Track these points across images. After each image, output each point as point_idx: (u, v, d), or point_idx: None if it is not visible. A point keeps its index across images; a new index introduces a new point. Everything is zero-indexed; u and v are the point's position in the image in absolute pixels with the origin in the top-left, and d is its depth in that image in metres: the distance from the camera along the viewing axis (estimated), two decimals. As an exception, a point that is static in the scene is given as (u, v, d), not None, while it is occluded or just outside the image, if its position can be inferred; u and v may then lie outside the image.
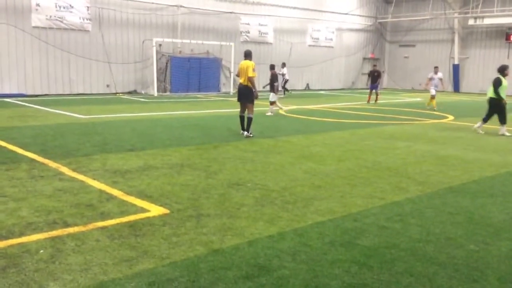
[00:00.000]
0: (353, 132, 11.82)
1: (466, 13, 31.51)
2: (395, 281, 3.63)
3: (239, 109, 10.99)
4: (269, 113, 15.48)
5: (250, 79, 10.51)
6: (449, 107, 19.78)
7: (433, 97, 19.10)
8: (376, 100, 21.69)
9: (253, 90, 10.61)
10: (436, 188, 6.49)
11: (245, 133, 10.66)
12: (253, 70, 10.53)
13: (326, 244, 4.36)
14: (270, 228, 4.73)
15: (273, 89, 15.82)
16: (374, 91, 21.64)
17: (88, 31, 22.29)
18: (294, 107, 18.60)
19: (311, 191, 6.16)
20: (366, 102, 21.56)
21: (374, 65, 23.06)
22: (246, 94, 10.68)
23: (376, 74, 21.80)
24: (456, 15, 31.96)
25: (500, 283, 3.64)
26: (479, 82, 31.75)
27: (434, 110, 18.29)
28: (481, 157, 8.79)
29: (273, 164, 7.81)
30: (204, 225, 4.76)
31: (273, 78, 15.92)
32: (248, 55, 10.85)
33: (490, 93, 12.28)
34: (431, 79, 19.50)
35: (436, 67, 20.17)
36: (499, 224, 5.01)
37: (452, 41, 32.92)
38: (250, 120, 10.68)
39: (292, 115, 15.73)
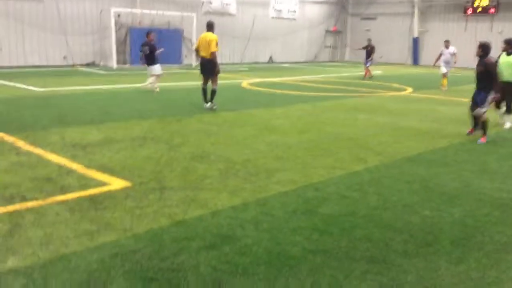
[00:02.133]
0: (315, 105, 11.95)
1: (425, -14, 31.94)
2: (354, 247, 3.77)
3: (201, 82, 10.85)
4: (152, 86, 13.52)
5: (213, 54, 10.25)
6: (408, 80, 20.21)
7: (444, 75, 16.56)
8: (369, 74, 20.91)
9: (216, 64, 10.39)
10: (394, 158, 6.70)
11: (209, 103, 10.53)
12: (216, 44, 10.27)
13: (288, 213, 4.45)
14: (233, 199, 4.78)
15: (151, 60, 13.30)
16: (365, 65, 21.07)
17: (42, 1, 21.34)
18: (257, 79, 18.57)
19: (274, 163, 6.24)
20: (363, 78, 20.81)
21: (369, 39, 21.99)
22: (210, 68, 10.46)
23: (369, 49, 21.23)
24: (416, -12, 32.36)
25: (453, 246, 3.83)
26: (437, 55, 32.42)
27: (443, 90, 16.03)
28: (437, 128, 9.09)
29: (236, 137, 7.83)
30: (167, 197, 4.76)
31: (152, 46, 13.34)
32: (210, 27, 10.56)
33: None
34: (441, 54, 16.80)
35: (447, 41, 17.16)
36: (452, 192, 5.23)
37: (412, 14, 33.39)
38: (214, 92, 10.56)
39: (255, 87, 15.71)
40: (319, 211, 4.53)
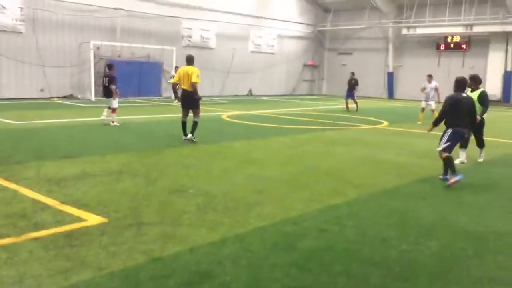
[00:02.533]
0: (294, 138, 12.05)
1: (399, 23, 33.02)
2: (333, 282, 3.75)
3: (180, 114, 10.87)
4: (115, 123, 13.09)
5: (193, 85, 10.28)
6: (384, 113, 20.61)
7: (422, 109, 16.98)
8: (357, 108, 21.29)
9: (196, 93, 10.43)
10: (372, 191, 6.76)
11: (189, 135, 10.45)
12: (198, 76, 10.34)
13: (267, 248, 4.42)
14: (211, 234, 4.74)
15: (110, 92, 13.09)
16: (352, 99, 21.47)
17: (21, 32, 21.32)
18: (237, 112, 18.69)
19: (253, 196, 6.22)
20: (345, 110, 21.25)
21: (352, 73, 22.61)
22: (192, 100, 10.46)
23: (353, 82, 21.70)
24: (390, 24, 33.42)
25: (431, 281, 3.85)
26: (412, 89, 33.25)
27: (418, 124, 16.26)
28: (413, 161, 9.24)
29: (215, 170, 7.81)
30: (144, 233, 4.69)
31: (111, 79, 13.08)
32: (190, 61, 10.63)
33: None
34: (424, 89, 17.08)
35: (430, 76, 17.42)
36: (429, 225, 5.29)
37: (387, 49, 34.36)
38: (196, 124, 10.52)
39: (235, 120, 15.80)
40: (298, 246, 4.51)
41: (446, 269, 4.09)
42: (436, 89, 16.92)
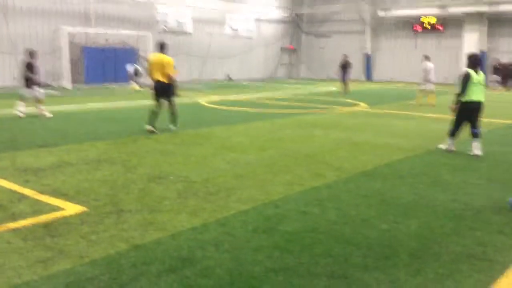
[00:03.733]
0: (273, 122, 12.05)
1: (376, 5, 33.10)
2: (315, 263, 3.78)
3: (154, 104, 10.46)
4: (48, 114, 12.26)
5: (171, 77, 9.74)
6: (362, 95, 20.74)
7: (421, 91, 16.74)
8: (346, 90, 21.60)
9: (175, 88, 9.99)
10: (351, 173, 6.82)
11: (172, 126, 10.14)
12: (174, 67, 9.83)
13: (249, 232, 4.43)
14: (193, 220, 4.72)
15: (32, 82, 12.17)
16: (344, 81, 21.77)
17: (-9, 20, 20.71)
18: (216, 97, 18.58)
19: (234, 181, 6.22)
20: (343, 92, 21.39)
21: (345, 55, 22.81)
22: (169, 91, 9.86)
23: (346, 64, 22.01)
24: (366, 7, 33.47)
25: (411, 259, 3.91)
26: (389, 71, 33.60)
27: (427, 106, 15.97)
28: (391, 142, 9.34)
29: (195, 156, 7.77)
30: (124, 221, 4.65)
31: (31, 68, 12.17)
32: (163, 47, 9.87)
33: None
34: (426, 70, 16.46)
35: (427, 56, 17.00)
36: (408, 204, 5.37)
37: (364, 32, 34.47)
38: (175, 115, 10.18)
39: (214, 106, 15.70)
40: (279, 228, 4.53)
41: (425, 247, 4.16)
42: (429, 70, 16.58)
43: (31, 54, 12.34)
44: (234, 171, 6.74)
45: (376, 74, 34.78)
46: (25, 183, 5.90)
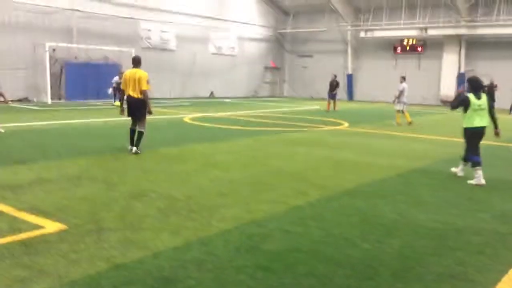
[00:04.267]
0: (257, 139, 12.07)
1: (357, 26, 33.71)
2: (298, 283, 3.76)
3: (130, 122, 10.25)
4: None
5: (144, 93, 9.18)
6: (344, 114, 20.96)
7: (400, 111, 16.95)
8: (334, 107, 22.52)
9: (147, 104, 9.32)
10: (334, 191, 6.84)
11: (134, 148, 9.30)
12: (147, 82, 9.26)
13: (231, 251, 4.39)
14: (175, 239, 4.66)
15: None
16: (333, 100, 22.59)
17: (-29, 33, 20.45)
18: (199, 114, 18.56)
19: (217, 199, 6.18)
20: (325, 111, 22.06)
21: (334, 75, 23.64)
22: (139, 108, 9.29)
23: (335, 84, 22.81)
24: (348, 27, 34.05)
25: (394, 279, 3.92)
26: (370, 90, 34.07)
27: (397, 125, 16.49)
28: (373, 161, 9.42)
29: (177, 173, 7.72)
30: (105, 239, 4.56)
31: None
32: (137, 62, 9.41)
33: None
34: (403, 90, 16.91)
35: (403, 77, 17.52)
36: (390, 224, 5.39)
37: (346, 52, 35.00)
38: (141, 134, 9.37)
39: (197, 122, 15.68)
40: (262, 248, 4.50)
41: (407, 267, 4.18)
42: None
43: None
44: (217, 189, 6.71)
45: (358, 93, 35.24)
46: (3, 200, 5.76)
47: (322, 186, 7.11)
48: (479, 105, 7.62)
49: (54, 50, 22.68)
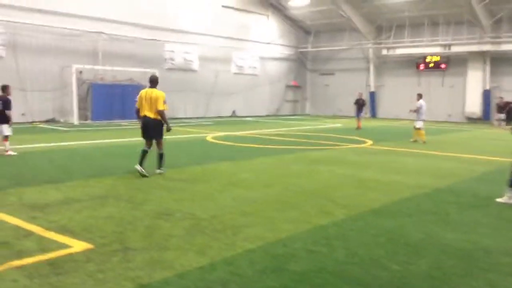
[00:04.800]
0: (279, 158, 12.06)
1: (379, 43, 33.66)
2: (325, 305, 3.70)
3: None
4: (9, 152, 11.59)
5: (161, 113, 9.01)
6: (367, 132, 20.81)
7: (418, 128, 16.90)
8: (359, 125, 22.66)
9: (165, 124, 9.14)
10: (359, 210, 6.76)
11: (158, 170, 9.24)
12: (164, 102, 9.06)
13: (256, 271, 4.36)
14: (200, 258, 4.66)
15: (5, 118, 11.66)
16: (358, 117, 22.82)
17: (2, 57, 21.16)
18: (221, 133, 18.68)
19: (240, 218, 6.17)
20: (356, 129, 22.24)
21: (360, 93, 24.22)
22: (156, 130, 9.13)
23: (361, 102, 23.15)
24: (370, 45, 34.03)
25: (421, 300, 3.83)
26: (393, 108, 33.82)
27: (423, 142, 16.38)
28: (398, 179, 9.29)
29: (201, 192, 7.75)
30: (131, 259, 4.59)
31: (6, 103, 11.62)
32: (154, 82, 9.18)
33: None
34: (418, 108, 16.94)
35: (419, 94, 17.56)
36: (417, 243, 5.29)
37: (368, 69, 34.92)
38: (162, 156, 9.31)
39: (219, 141, 15.77)
40: (288, 268, 4.46)
41: (436, 288, 4.08)
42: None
43: (3, 88, 11.66)
44: (241, 208, 6.70)
45: (381, 111, 35.00)
46: (32, 220, 5.87)
47: (346, 205, 7.03)
48: None
49: (80, 72, 23.25)
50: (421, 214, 6.61)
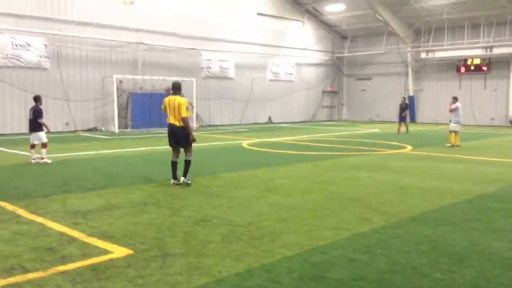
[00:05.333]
0: (316, 164, 11.96)
1: (418, 47, 32.98)
2: (365, 314, 3.63)
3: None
4: (46, 160, 11.97)
5: (185, 120, 8.80)
6: (407, 137, 20.39)
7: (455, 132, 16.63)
8: (407, 130, 22.82)
9: (189, 132, 8.92)
10: (399, 217, 6.61)
11: (182, 178, 8.94)
12: (187, 108, 8.90)
13: (295, 279, 4.32)
14: (237, 265, 4.66)
15: (38, 126, 11.99)
16: (403, 122, 22.90)
17: (46, 69, 21.97)
18: (257, 140, 18.72)
19: (278, 225, 6.14)
20: (397, 133, 22.38)
21: (404, 98, 24.40)
22: (183, 137, 8.92)
23: (404, 106, 23.21)
24: (408, 49, 33.39)
25: (467, 311, 3.69)
26: (433, 112, 33.03)
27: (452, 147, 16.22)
28: (440, 186, 9.04)
29: (238, 199, 7.77)
30: (170, 265, 4.65)
31: (38, 113, 11.98)
32: (177, 89, 9.04)
33: None
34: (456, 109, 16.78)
35: (454, 97, 17.34)
36: (461, 252, 5.12)
37: (406, 73, 34.25)
38: (189, 163, 8.99)
39: (256, 148, 15.80)
40: (327, 276, 4.40)
41: (483, 298, 3.93)
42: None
43: (35, 99, 12.15)
44: (278, 215, 6.68)
45: (420, 115, 34.21)
46: (75, 226, 6.04)
47: (386, 212, 6.89)
48: None
49: (121, 81, 23.85)
50: (465, 221, 6.39)
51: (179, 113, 8.77)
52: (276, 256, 4.93)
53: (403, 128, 22.89)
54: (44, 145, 12.01)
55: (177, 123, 8.85)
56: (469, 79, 31.71)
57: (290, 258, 4.87)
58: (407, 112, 23.59)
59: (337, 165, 11.92)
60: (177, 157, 9.10)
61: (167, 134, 9.20)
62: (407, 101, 23.81)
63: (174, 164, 9.05)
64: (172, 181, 9.00)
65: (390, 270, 4.55)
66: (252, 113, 31.29)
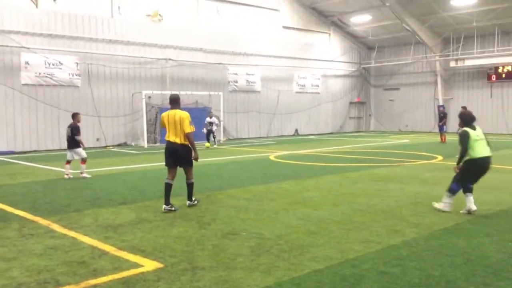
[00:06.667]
0: (344, 176, 11.85)
1: (447, 55, 32.46)
2: (398, 329, 3.55)
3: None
4: (85, 175, 12.25)
5: (189, 137, 7.82)
6: (437, 148, 19.99)
7: None
8: (442, 140, 23.15)
9: (193, 150, 7.97)
10: (431, 229, 6.46)
11: (188, 202, 8.24)
12: (190, 123, 7.88)
13: (325, 292, 4.27)
14: (267, 278, 4.64)
15: (75, 143, 12.32)
16: (441, 131, 23.33)
17: (78, 86, 22.55)
18: (284, 152, 18.68)
19: (307, 238, 6.10)
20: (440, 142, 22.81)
21: (442, 106, 24.53)
22: (184, 156, 7.94)
23: (442, 115, 23.56)
24: (437, 58, 32.90)
25: (505, 326, 3.57)
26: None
27: None
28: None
29: (266, 211, 7.75)
30: (199, 278, 4.66)
31: (75, 129, 12.28)
32: (176, 102, 8.05)
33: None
34: None
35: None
36: (497, 264, 4.96)
37: (435, 83, 33.71)
38: (192, 186, 8.23)
39: (283, 160, 15.77)
40: (357, 289, 4.33)
41: (521, 312, 3.79)
42: None
43: (73, 116, 12.58)
44: (307, 228, 6.63)
45: (450, 125, 33.51)
46: (106, 240, 6.14)
47: (418, 224, 6.76)
48: (478, 135, 7.79)
49: (149, 97, 24.25)
50: (500, 233, 6.21)
51: (182, 128, 7.78)
52: (306, 270, 4.88)
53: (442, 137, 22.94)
54: (83, 161, 12.33)
55: (178, 140, 7.84)
56: (500, 87, 30.96)
57: (320, 272, 4.82)
58: (445, 121, 23.42)
59: (366, 176, 11.78)
60: (173, 179, 8.07)
61: (164, 153, 8.13)
62: (445, 110, 23.69)
63: (168, 187, 7.93)
64: (164, 207, 7.86)
65: (423, 284, 4.45)
66: (279, 125, 31.29)
